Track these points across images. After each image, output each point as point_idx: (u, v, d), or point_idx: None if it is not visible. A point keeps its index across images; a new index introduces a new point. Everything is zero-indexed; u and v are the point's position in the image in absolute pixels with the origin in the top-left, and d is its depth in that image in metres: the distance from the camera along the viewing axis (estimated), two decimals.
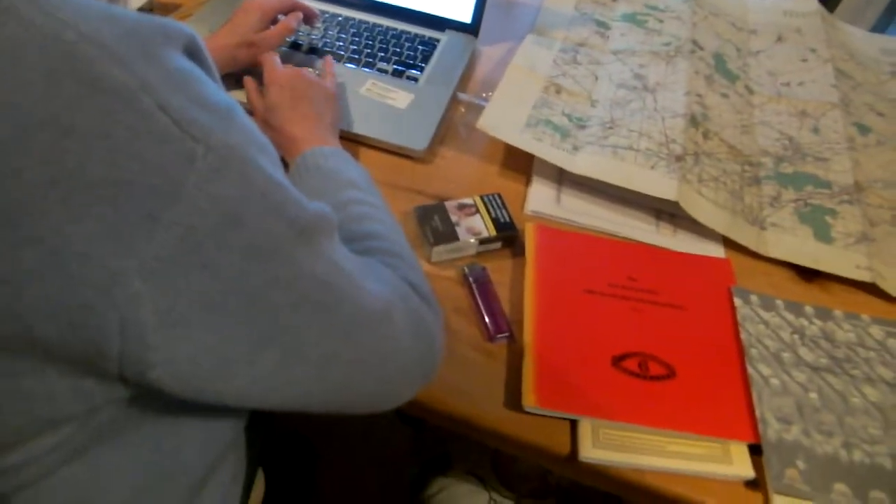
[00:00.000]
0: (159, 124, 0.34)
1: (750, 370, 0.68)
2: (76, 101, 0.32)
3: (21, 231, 0.32)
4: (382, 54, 0.98)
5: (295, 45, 0.98)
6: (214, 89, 0.39)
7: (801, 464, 0.62)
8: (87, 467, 0.45)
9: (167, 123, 0.34)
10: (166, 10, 1.03)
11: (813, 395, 0.67)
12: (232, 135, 0.37)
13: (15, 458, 0.41)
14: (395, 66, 0.97)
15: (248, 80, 0.85)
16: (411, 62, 0.98)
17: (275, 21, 0.90)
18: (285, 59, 0.89)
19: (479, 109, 0.90)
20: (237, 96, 0.85)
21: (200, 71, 0.39)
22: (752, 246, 0.81)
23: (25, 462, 0.42)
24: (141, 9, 1.01)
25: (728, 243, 0.82)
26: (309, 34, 1.00)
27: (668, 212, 0.85)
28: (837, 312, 0.75)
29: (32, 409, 0.38)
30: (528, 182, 0.87)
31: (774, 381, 0.67)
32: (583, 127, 0.90)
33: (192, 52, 0.39)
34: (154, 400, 0.46)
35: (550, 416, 0.64)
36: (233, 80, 0.87)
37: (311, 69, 0.90)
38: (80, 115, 0.32)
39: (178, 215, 0.35)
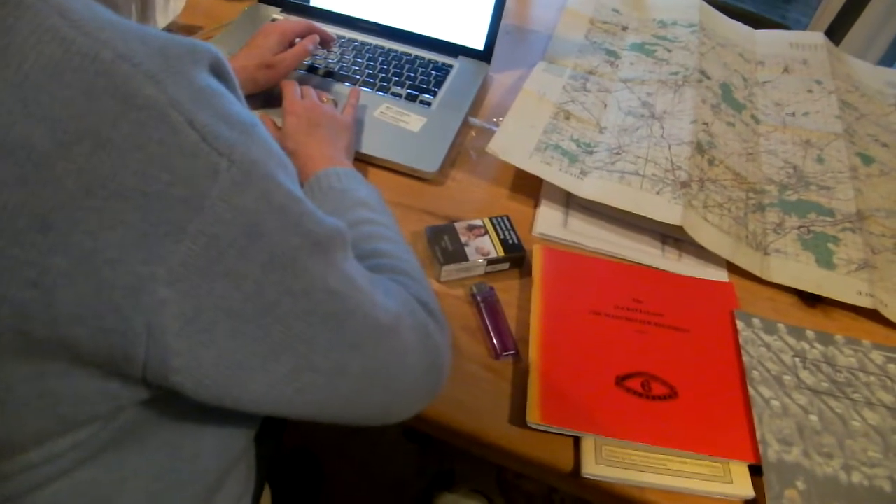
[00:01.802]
0: (188, 139, 0.36)
1: (751, 392, 0.69)
2: (112, 116, 0.34)
3: (54, 237, 0.34)
4: (397, 79, 1.01)
5: (312, 69, 1.01)
6: (238, 106, 0.41)
7: (800, 485, 0.62)
8: (105, 469, 0.47)
9: (195, 138, 0.36)
10: (188, 32, 1.06)
11: (813, 418, 0.68)
12: (254, 150, 0.39)
13: (35, 457, 0.43)
14: (408, 91, 0.99)
15: (265, 117, 0.88)
16: (425, 87, 1.00)
17: (293, 44, 0.93)
18: (302, 82, 0.91)
19: (489, 134, 0.92)
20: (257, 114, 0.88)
21: (225, 89, 0.41)
22: (756, 271, 0.83)
23: (45, 461, 0.43)
24: (164, 30, 1.04)
25: (732, 268, 0.84)
26: (326, 58, 1.03)
27: (673, 237, 0.86)
28: (839, 337, 0.76)
29: (56, 409, 0.40)
30: (536, 205, 0.89)
31: (775, 403, 0.68)
32: (591, 152, 0.92)
33: (218, 71, 0.42)
34: (173, 405, 0.47)
35: (554, 433, 0.66)
36: (257, 101, 0.90)
37: (329, 95, 0.93)
38: (115, 129, 0.34)
39: (203, 225, 0.37)
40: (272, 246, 0.40)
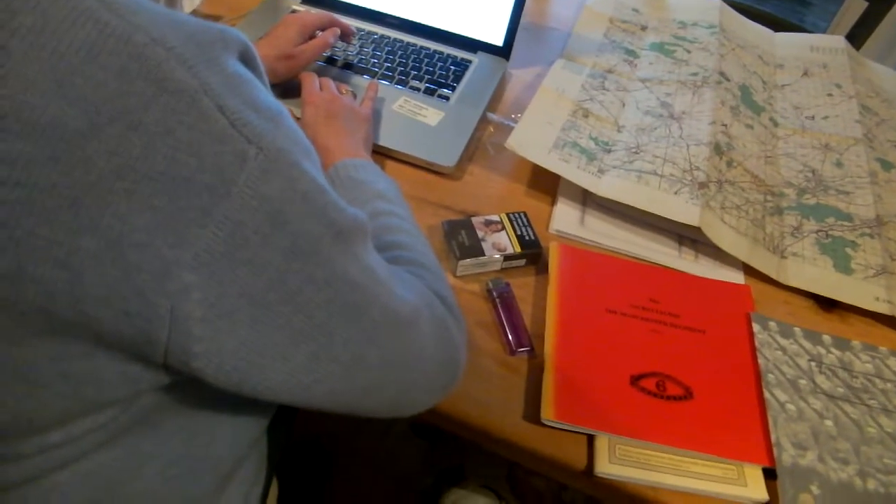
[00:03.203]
0: (217, 125, 0.36)
1: (766, 395, 0.69)
2: (144, 99, 0.34)
3: (84, 218, 0.34)
4: (415, 72, 1.01)
5: (330, 60, 1.01)
6: (266, 94, 0.41)
7: (815, 489, 0.62)
8: (123, 452, 0.47)
9: (224, 124, 0.36)
10: (209, 20, 1.06)
11: (829, 423, 0.67)
12: (280, 138, 0.39)
13: (54, 438, 0.43)
14: (427, 85, 0.99)
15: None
16: (443, 81, 1.00)
17: (312, 36, 0.93)
18: (321, 73, 0.92)
19: (507, 130, 0.92)
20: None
21: (254, 76, 0.41)
22: (773, 274, 0.82)
23: (64, 442, 0.43)
24: None
25: (748, 270, 0.83)
26: (345, 50, 1.03)
27: (690, 237, 0.86)
28: (855, 343, 0.76)
29: (78, 390, 0.40)
30: (553, 202, 0.89)
31: (791, 407, 0.68)
32: (609, 151, 0.92)
33: (247, 59, 0.42)
34: (190, 391, 0.47)
35: (568, 430, 0.65)
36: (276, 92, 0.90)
37: (347, 86, 0.93)
38: (147, 112, 0.34)
39: (229, 211, 0.37)
40: (296, 234, 0.40)
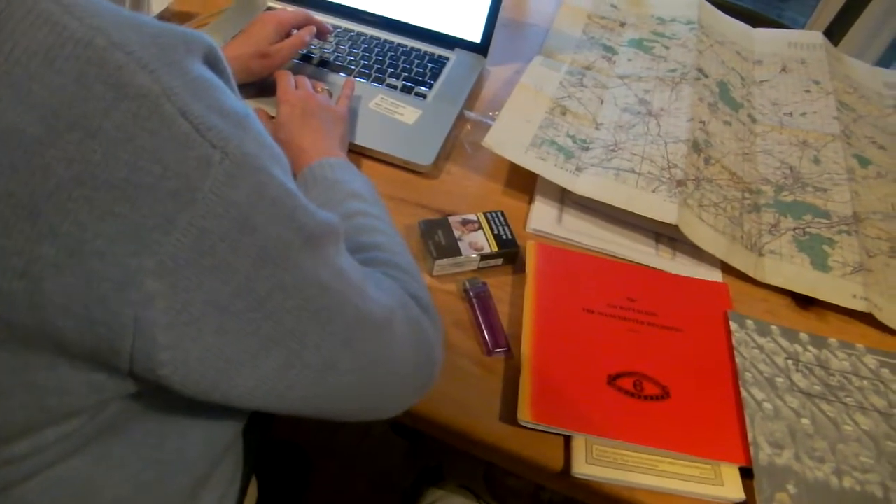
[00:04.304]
0: (181, 130, 0.35)
1: (743, 394, 0.69)
2: (104, 105, 0.33)
3: (42, 226, 0.33)
4: (392, 70, 1.00)
5: (306, 58, 1.00)
6: (232, 98, 0.40)
7: (791, 488, 0.62)
8: (91, 460, 0.46)
9: (188, 129, 0.35)
10: (182, 19, 1.05)
11: (805, 421, 0.67)
12: (247, 143, 0.38)
13: (20, 449, 0.42)
14: (404, 83, 0.98)
15: (258, 108, 0.87)
16: (420, 79, 0.99)
17: (288, 34, 0.92)
18: (296, 71, 0.90)
19: (485, 128, 0.91)
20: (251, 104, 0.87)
21: (219, 80, 0.40)
22: (750, 272, 0.83)
23: (30, 453, 0.43)
24: (158, 17, 1.03)
25: (726, 268, 0.83)
26: (321, 48, 1.01)
27: (667, 235, 0.86)
28: (832, 341, 0.76)
29: (42, 401, 0.39)
30: (530, 200, 0.88)
31: (767, 406, 0.68)
32: (586, 149, 0.91)
33: (212, 62, 0.41)
34: (160, 397, 0.47)
35: (545, 431, 0.65)
36: (251, 90, 0.89)
37: (323, 84, 0.92)
38: (107, 118, 0.33)
39: (193, 217, 0.36)
40: (264, 240, 0.39)
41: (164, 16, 1.05)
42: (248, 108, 0.41)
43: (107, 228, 0.34)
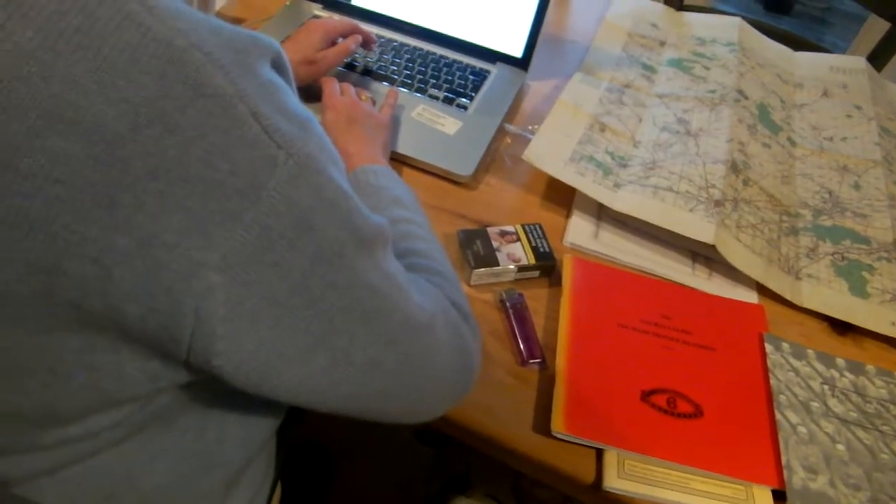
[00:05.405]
0: (251, 130, 0.37)
1: (778, 416, 0.68)
2: (182, 103, 0.35)
3: (118, 216, 0.34)
4: (434, 81, 1.01)
5: (350, 66, 1.02)
6: (296, 101, 0.42)
7: None
8: (137, 447, 0.48)
9: (257, 130, 0.37)
10: (231, 23, 1.07)
11: (841, 447, 0.67)
12: (310, 145, 0.40)
13: (75, 431, 0.43)
14: (445, 94, 1.00)
15: None
16: (462, 91, 1.00)
17: (334, 43, 0.93)
18: (340, 79, 0.92)
19: (524, 141, 0.92)
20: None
21: (284, 83, 0.41)
22: (787, 295, 0.82)
23: (83, 436, 0.44)
24: None
25: (762, 290, 0.83)
26: (365, 57, 1.03)
27: (704, 255, 0.86)
28: (870, 367, 0.75)
29: (101, 385, 0.41)
30: (568, 215, 0.89)
31: (802, 430, 0.68)
32: (625, 166, 0.92)
33: (278, 66, 0.42)
34: (208, 390, 0.48)
35: (577, 444, 0.65)
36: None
37: (367, 93, 0.93)
38: (184, 116, 0.35)
39: (257, 215, 0.37)
40: (321, 240, 0.41)
41: None
42: (310, 111, 0.43)
43: (177, 222, 0.35)
